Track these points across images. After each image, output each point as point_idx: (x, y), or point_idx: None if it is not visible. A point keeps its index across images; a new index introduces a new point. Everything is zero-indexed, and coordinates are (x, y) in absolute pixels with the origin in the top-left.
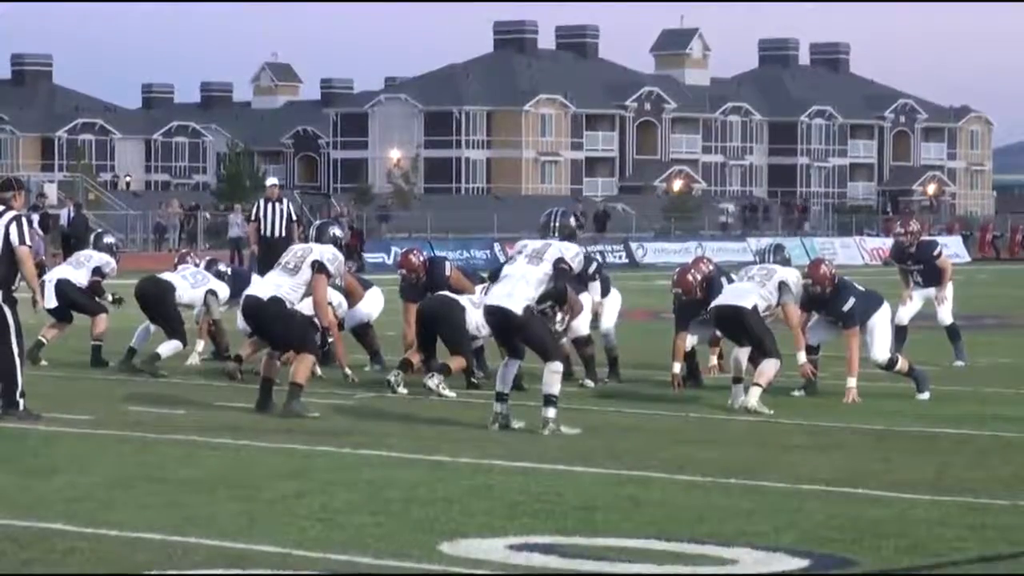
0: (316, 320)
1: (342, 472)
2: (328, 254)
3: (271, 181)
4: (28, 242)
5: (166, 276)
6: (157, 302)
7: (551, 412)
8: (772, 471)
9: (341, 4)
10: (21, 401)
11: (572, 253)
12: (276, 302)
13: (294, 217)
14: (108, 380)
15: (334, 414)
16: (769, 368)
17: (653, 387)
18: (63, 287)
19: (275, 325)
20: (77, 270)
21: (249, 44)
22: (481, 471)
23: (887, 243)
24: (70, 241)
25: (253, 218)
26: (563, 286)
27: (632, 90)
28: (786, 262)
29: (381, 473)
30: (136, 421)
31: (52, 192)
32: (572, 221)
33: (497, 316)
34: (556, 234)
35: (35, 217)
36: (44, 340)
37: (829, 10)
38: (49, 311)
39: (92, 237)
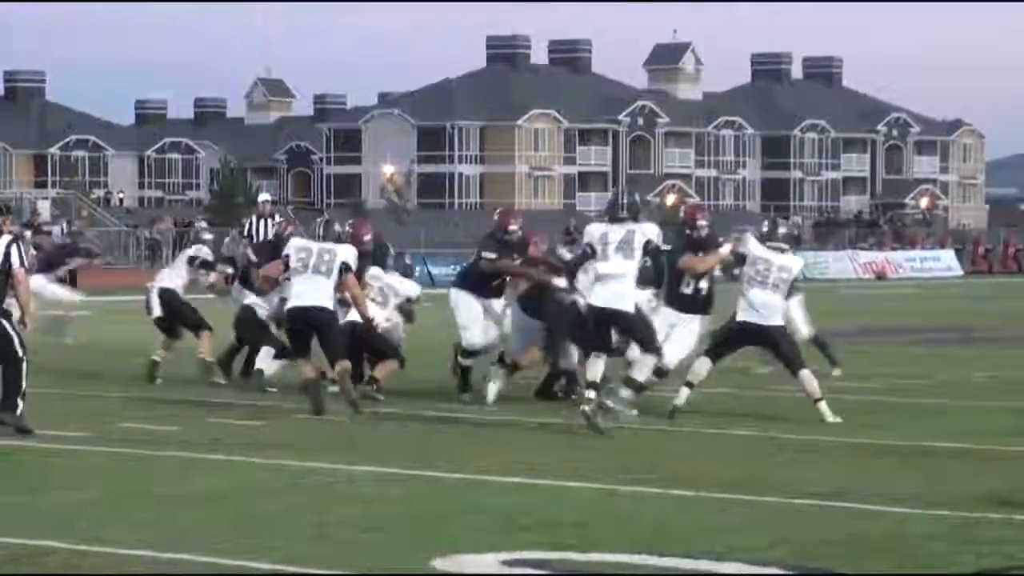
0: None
1: (335, 488)
2: (351, 254)
3: (264, 197)
4: (27, 265)
5: (247, 301)
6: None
7: (626, 393)
8: (764, 485)
9: (333, 19)
10: (20, 404)
11: (655, 232)
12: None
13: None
14: (102, 396)
15: (327, 430)
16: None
17: (644, 402)
18: (166, 297)
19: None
20: (172, 271)
21: (242, 60)
22: (474, 486)
23: (880, 256)
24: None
25: (246, 234)
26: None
27: (625, 105)
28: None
29: (374, 489)
30: (129, 437)
31: (45, 209)
32: (637, 198)
33: (607, 317)
34: (627, 214)
35: (28, 234)
36: (158, 359)
37: (821, 25)
38: (155, 322)
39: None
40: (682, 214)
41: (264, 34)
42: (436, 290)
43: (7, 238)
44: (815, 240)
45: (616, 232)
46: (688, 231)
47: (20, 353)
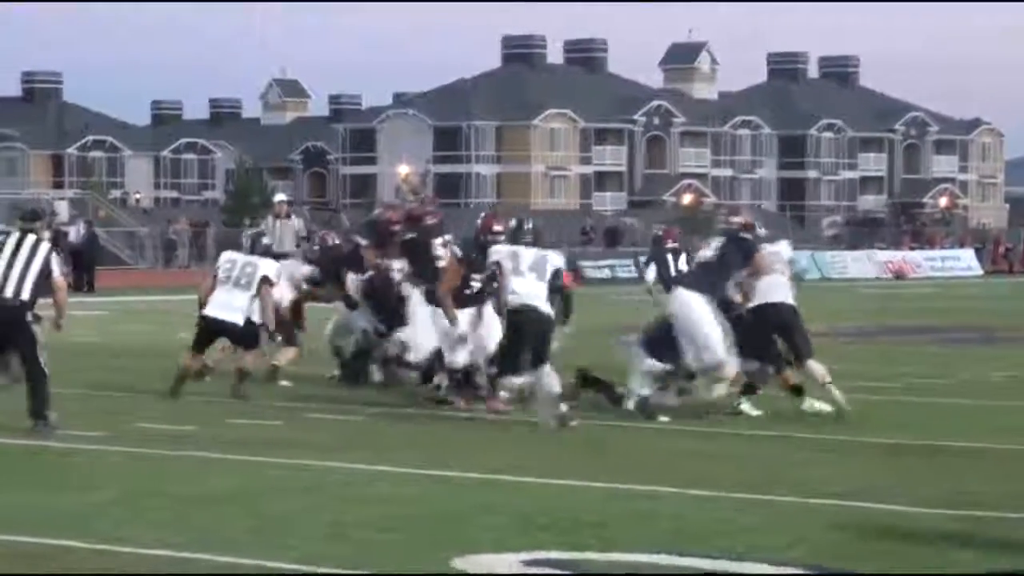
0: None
1: (352, 488)
2: (272, 268)
3: (279, 197)
4: (63, 273)
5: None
6: None
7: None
8: (783, 485)
9: (347, 19)
10: (50, 415)
11: (562, 262)
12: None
13: (303, 233)
14: (121, 397)
15: (343, 429)
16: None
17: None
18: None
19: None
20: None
21: (257, 60)
22: (491, 486)
23: (898, 256)
24: (81, 258)
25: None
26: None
27: (641, 104)
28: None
29: (390, 488)
30: (148, 437)
31: (63, 209)
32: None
33: (535, 317)
34: (531, 238)
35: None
36: (277, 364)
37: (838, 24)
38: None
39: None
40: (740, 220)
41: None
42: None
43: (46, 246)
44: (832, 239)
45: (527, 254)
46: (741, 236)
47: (44, 359)
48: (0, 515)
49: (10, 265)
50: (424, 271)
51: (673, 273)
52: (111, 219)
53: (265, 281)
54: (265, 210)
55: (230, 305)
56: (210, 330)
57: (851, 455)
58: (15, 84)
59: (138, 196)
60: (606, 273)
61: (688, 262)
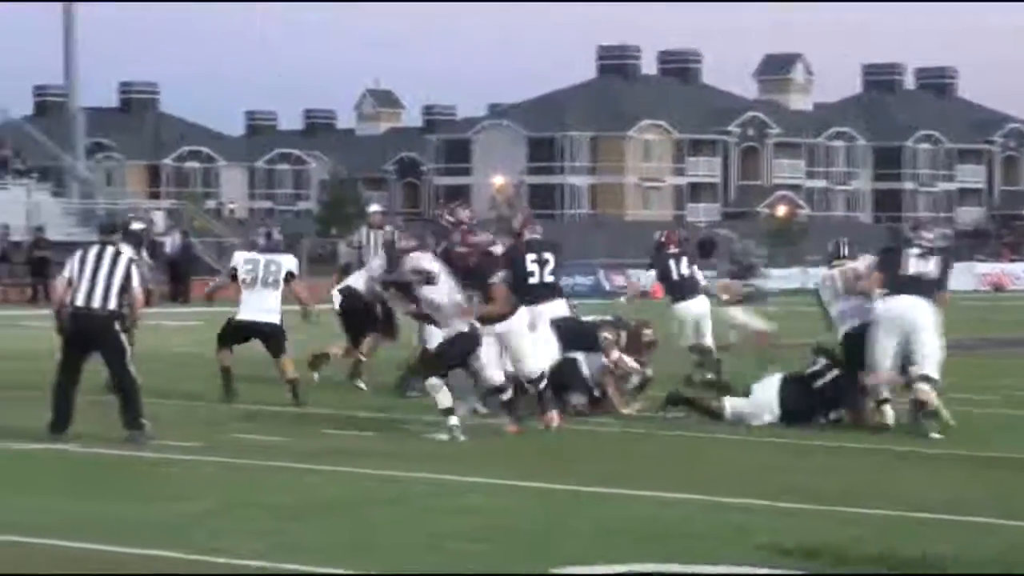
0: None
1: (444, 498)
2: (294, 263)
3: (374, 208)
4: (146, 282)
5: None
6: None
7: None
8: (877, 497)
9: (441, 30)
10: (147, 424)
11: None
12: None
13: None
14: (217, 407)
15: (429, 440)
16: None
17: None
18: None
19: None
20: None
21: (352, 71)
22: (580, 498)
23: (997, 268)
24: (176, 268)
25: (356, 245)
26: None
27: (735, 115)
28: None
29: (481, 499)
30: (243, 448)
31: (159, 220)
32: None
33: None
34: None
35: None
36: (363, 358)
37: (935, 35)
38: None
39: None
40: (916, 230)
41: (355, 45)
42: None
43: (126, 257)
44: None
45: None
46: (920, 243)
47: (133, 368)
48: (96, 525)
49: (95, 276)
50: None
51: (676, 277)
52: (206, 229)
53: (291, 277)
54: (359, 220)
55: (262, 307)
56: (242, 333)
57: (945, 467)
58: (112, 95)
59: (232, 206)
60: None
61: (690, 266)
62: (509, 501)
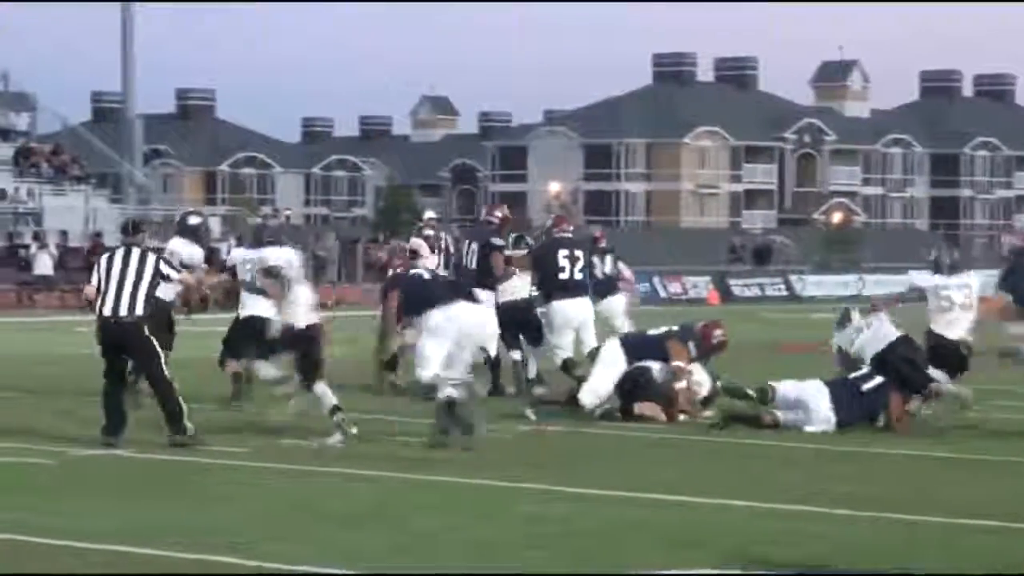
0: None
1: (493, 505)
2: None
3: (429, 215)
4: (177, 268)
5: None
6: None
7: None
8: (930, 506)
9: (498, 37)
10: (189, 425)
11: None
12: None
13: (452, 250)
14: (262, 413)
15: (491, 447)
16: None
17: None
18: None
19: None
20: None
21: (407, 78)
22: (632, 504)
23: None
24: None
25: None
26: None
27: (791, 122)
28: None
29: (533, 506)
30: (293, 453)
31: (215, 226)
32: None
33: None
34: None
35: (199, 251)
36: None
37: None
38: None
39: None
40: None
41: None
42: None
43: (152, 257)
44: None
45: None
46: None
47: (169, 372)
48: (144, 529)
49: (121, 282)
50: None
51: (600, 275)
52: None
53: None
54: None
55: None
56: (250, 331)
57: (1005, 475)
58: (170, 101)
59: (288, 213)
60: (755, 291)
61: (614, 263)
62: (562, 508)
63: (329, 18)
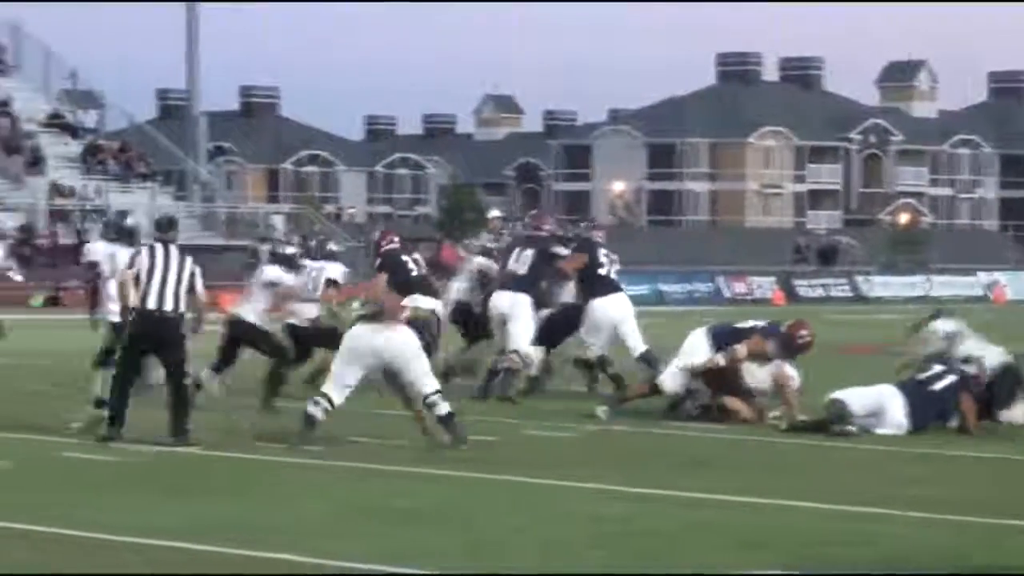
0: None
1: (558, 505)
2: (338, 271)
3: (494, 213)
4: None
5: None
6: None
7: None
8: (1008, 507)
9: (562, 35)
10: (191, 430)
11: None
12: None
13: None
14: (333, 411)
15: (556, 446)
16: None
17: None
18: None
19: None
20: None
21: (472, 76)
22: (696, 504)
23: None
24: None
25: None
26: None
27: (857, 122)
28: None
29: (596, 506)
30: (360, 452)
31: (279, 224)
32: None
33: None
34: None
35: (264, 249)
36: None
37: None
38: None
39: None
40: None
41: (475, 48)
42: (665, 307)
43: (190, 260)
44: None
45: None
46: None
47: (190, 375)
48: (211, 527)
49: (164, 278)
50: None
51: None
52: (325, 234)
53: (332, 284)
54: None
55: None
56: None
57: None
58: (234, 99)
59: (352, 211)
60: (820, 292)
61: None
62: (625, 508)
63: (393, 16)
